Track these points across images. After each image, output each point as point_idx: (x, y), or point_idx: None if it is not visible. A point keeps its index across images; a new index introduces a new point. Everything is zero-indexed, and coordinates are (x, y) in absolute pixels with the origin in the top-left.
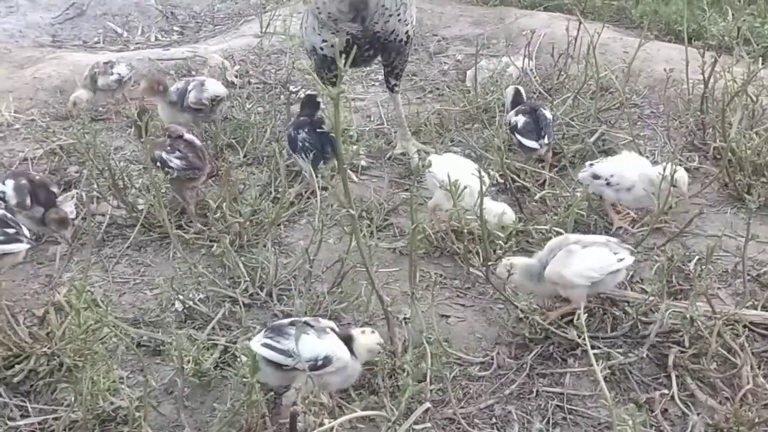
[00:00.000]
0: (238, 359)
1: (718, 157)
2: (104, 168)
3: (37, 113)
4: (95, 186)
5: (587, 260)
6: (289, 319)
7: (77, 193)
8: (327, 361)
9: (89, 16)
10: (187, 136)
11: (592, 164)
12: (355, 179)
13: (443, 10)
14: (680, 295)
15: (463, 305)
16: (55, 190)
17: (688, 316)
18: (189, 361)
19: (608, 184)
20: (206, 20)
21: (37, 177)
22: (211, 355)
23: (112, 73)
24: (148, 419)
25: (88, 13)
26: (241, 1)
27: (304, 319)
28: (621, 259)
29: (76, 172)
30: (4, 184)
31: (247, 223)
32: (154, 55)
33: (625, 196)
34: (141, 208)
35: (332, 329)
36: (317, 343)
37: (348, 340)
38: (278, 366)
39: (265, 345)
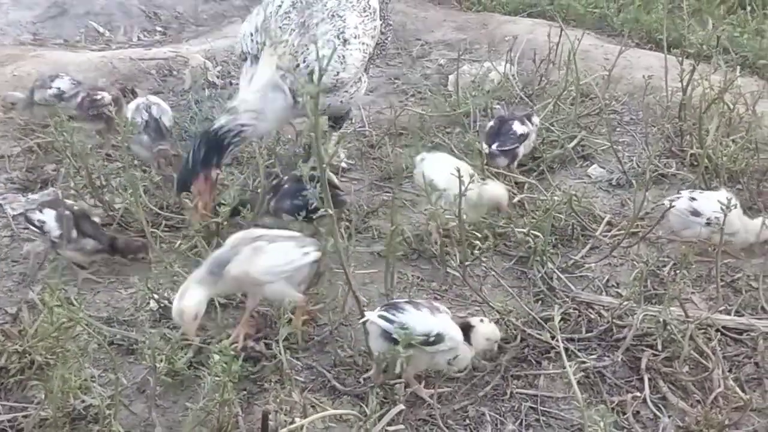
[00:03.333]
0: (212, 359)
1: (695, 163)
2: (81, 167)
3: (15, 111)
4: (72, 184)
5: (275, 257)
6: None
7: (53, 191)
8: (439, 338)
9: (71, 15)
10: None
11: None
12: (336, 181)
13: (427, 14)
14: (654, 300)
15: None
16: (97, 220)
17: (661, 320)
18: (162, 360)
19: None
20: (189, 21)
21: (75, 206)
22: (185, 354)
23: (50, 87)
24: (119, 418)
25: (71, 12)
26: (224, 2)
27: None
28: (306, 254)
29: (54, 171)
30: (41, 212)
31: (225, 222)
32: (135, 55)
33: None
34: (117, 207)
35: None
36: (431, 319)
37: (467, 329)
38: (391, 338)
39: (381, 317)
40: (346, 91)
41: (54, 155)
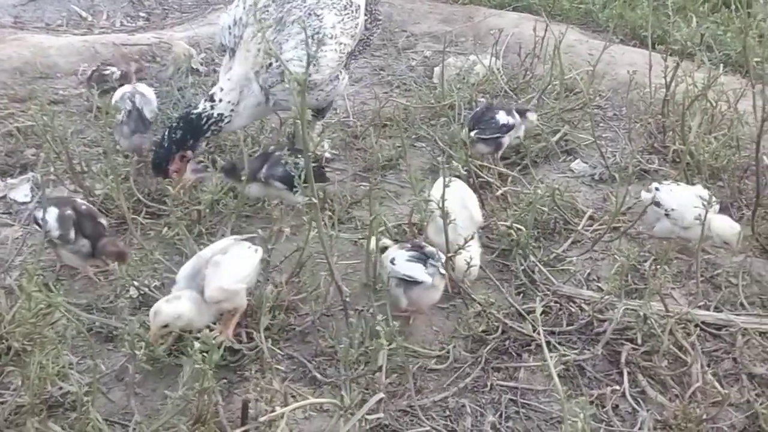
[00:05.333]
0: (192, 347)
1: (677, 160)
2: (61, 151)
3: None
4: (52, 169)
5: (237, 263)
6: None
7: (33, 176)
8: None
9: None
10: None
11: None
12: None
13: (413, 6)
14: (635, 294)
15: None
16: (103, 222)
17: (641, 314)
18: (141, 348)
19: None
20: (173, 7)
21: (84, 206)
22: (165, 341)
23: None
24: (97, 405)
25: None
26: None
27: None
28: (256, 251)
29: (33, 155)
30: (46, 211)
31: (207, 210)
32: (118, 40)
33: None
34: (98, 193)
35: None
36: None
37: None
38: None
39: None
40: (322, 90)
41: (34, 139)
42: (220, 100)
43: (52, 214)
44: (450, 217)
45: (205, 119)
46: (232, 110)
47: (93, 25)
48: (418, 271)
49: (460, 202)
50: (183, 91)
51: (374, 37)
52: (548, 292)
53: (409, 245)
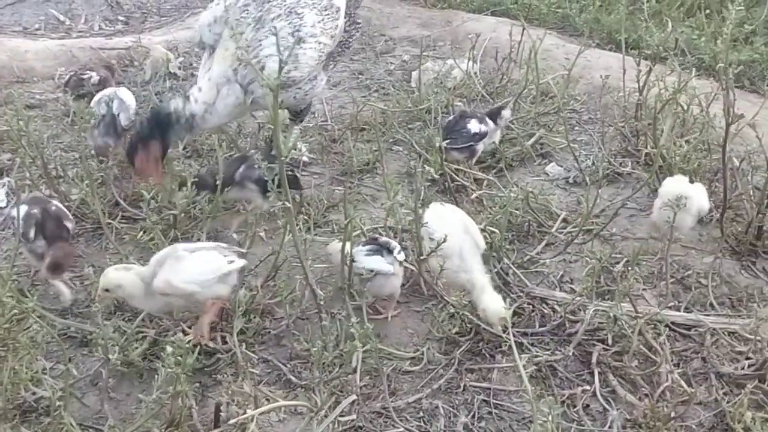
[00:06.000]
0: (166, 351)
1: (650, 163)
2: (36, 156)
3: None
4: (27, 174)
5: (197, 265)
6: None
7: (8, 181)
8: None
9: (31, 2)
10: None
11: None
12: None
13: (392, 10)
14: (607, 296)
15: (398, 301)
16: (69, 225)
17: (612, 315)
18: (115, 352)
19: None
20: (152, 11)
21: (54, 207)
22: (140, 345)
23: None
24: (71, 410)
25: None
26: None
27: None
28: (231, 262)
29: (9, 160)
30: (18, 209)
31: (182, 215)
32: (96, 44)
33: None
34: (74, 198)
35: None
36: None
37: None
38: None
39: None
40: (300, 89)
41: (10, 144)
42: (196, 101)
43: (21, 212)
44: (448, 242)
45: (176, 118)
46: (206, 110)
47: (71, 29)
48: (378, 262)
49: (462, 228)
50: (160, 96)
51: (353, 40)
52: (521, 294)
53: (364, 240)
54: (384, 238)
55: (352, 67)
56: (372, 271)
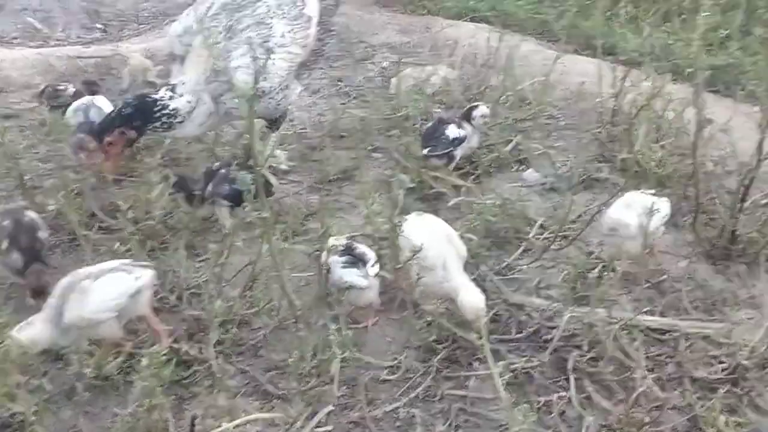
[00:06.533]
0: (141, 363)
1: (625, 168)
2: (12, 167)
3: None
4: (2, 186)
5: (104, 291)
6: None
7: None
8: None
9: (8, 11)
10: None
11: None
12: (274, 181)
13: (371, 17)
14: (584, 301)
15: (376, 309)
16: (42, 236)
17: (586, 321)
18: (90, 366)
19: None
20: (130, 18)
21: (26, 218)
22: (116, 359)
23: None
24: (46, 424)
25: (7, 7)
26: (166, 0)
27: None
28: (138, 278)
29: None
30: None
31: (159, 225)
32: (73, 53)
33: None
34: (50, 209)
35: None
36: None
37: None
38: None
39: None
40: (272, 98)
41: None
42: (181, 95)
43: None
44: (432, 253)
45: (159, 107)
46: (188, 111)
47: (49, 37)
48: (353, 276)
49: (445, 238)
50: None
51: (327, 48)
52: (498, 301)
53: (341, 249)
54: (360, 249)
55: (331, 74)
56: (346, 283)
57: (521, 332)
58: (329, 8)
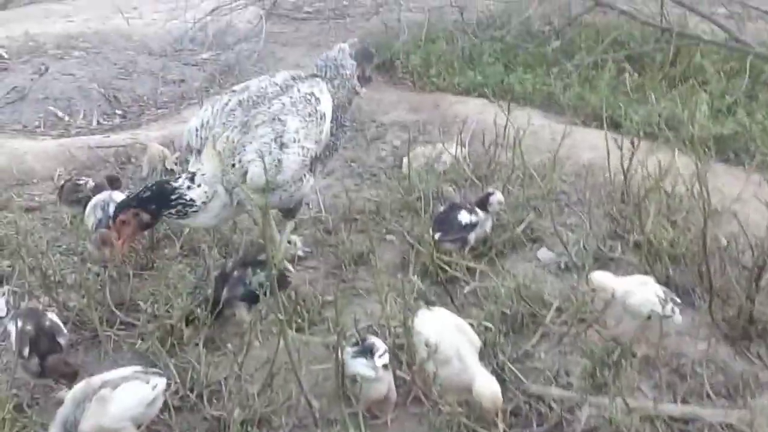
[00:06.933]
0: None
1: (639, 246)
2: (35, 265)
3: None
4: (26, 283)
5: (124, 401)
6: None
7: (8, 290)
8: None
9: (30, 100)
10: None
11: None
12: (292, 269)
13: (381, 96)
14: (604, 388)
15: (395, 403)
16: (62, 341)
17: (607, 417)
18: None
19: None
20: (149, 103)
21: (48, 322)
22: None
23: None
24: None
25: (30, 96)
26: (183, 84)
27: None
28: (155, 387)
29: (9, 266)
30: (15, 323)
31: (179, 324)
32: (93, 143)
33: None
34: (72, 306)
35: None
36: None
37: None
38: None
39: None
40: (285, 190)
41: (8, 251)
42: (199, 185)
43: (16, 327)
44: (445, 346)
45: (177, 195)
46: (204, 202)
47: (70, 125)
48: (360, 365)
49: (456, 328)
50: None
51: (340, 143)
52: (518, 392)
53: (353, 340)
54: (371, 340)
55: (345, 155)
56: (355, 375)
57: (542, 425)
58: (344, 105)
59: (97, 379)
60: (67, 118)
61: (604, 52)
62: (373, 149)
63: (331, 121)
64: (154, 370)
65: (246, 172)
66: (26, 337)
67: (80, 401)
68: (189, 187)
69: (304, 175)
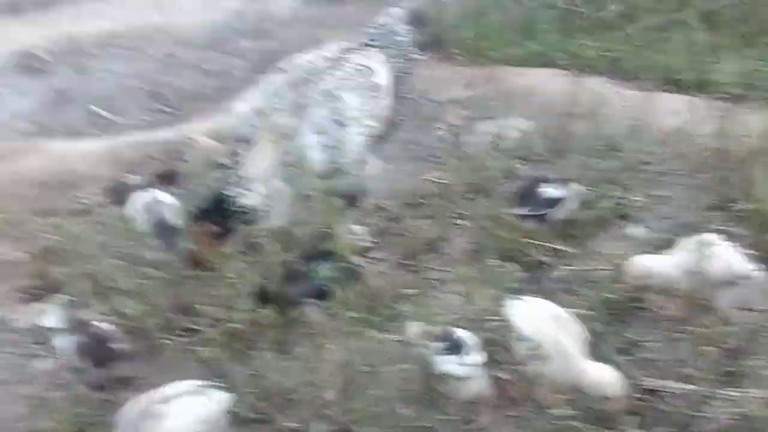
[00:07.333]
0: None
1: (744, 217)
2: (88, 271)
3: (16, 210)
4: (79, 290)
5: (180, 418)
6: None
7: (62, 299)
8: None
9: (73, 101)
10: None
11: None
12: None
13: (432, 73)
14: (731, 378)
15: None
16: (117, 348)
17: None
18: None
19: None
20: (193, 96)
21: (100, 331)
22: None
23: None
24: None
25: (72, 97)
26: (226, 76)
27: None
28: (216, 402)
29: (62, 275)
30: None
31: (242, 327)
32: (140, 141)
33: None
34: (128, 313)
35: None
36: None
37: None
38: None
39: None
40: (348, 174)
41: (62, 258)
42: (251, 191)
43: (71, 339)
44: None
45: (233, 205)
46: (262, 204)
47: (114, 124)
48: (450, 364)
49: (554, 320)
50: (208, 186)
51: (403, 118)
52: (630, 387)
53: (439, 334)
54: (459, 333)
55: (401, 137)
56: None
57: (666, 425)
58: (402, 75)
59: (152, 395)
60: (110, 117)
61: (672, 11)
62: (430, 129)
63: (390, 95)
64: (216, 383)
65: (303, 158)
66: (81, 348)
67: (135, 421)
68: (242, 195)
69: (367, 156)
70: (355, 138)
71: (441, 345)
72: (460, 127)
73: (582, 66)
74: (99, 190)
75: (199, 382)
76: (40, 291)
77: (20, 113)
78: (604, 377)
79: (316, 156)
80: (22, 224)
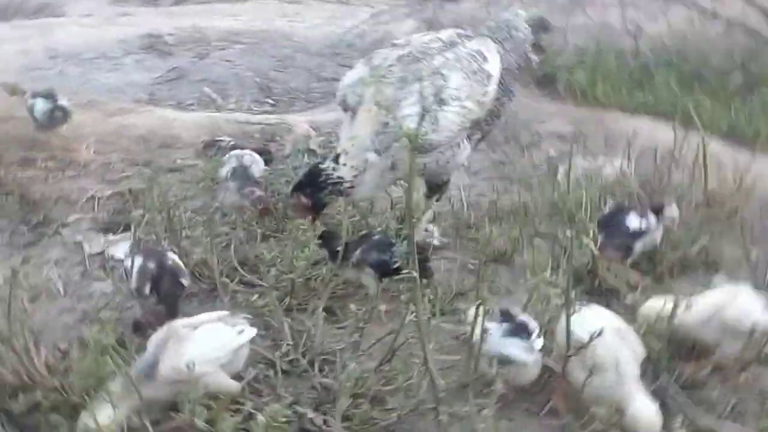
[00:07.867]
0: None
1: None
2: (165, 215)
3: (115, 157)
4: (153, 230)
5: (203, 342)
6: None
7: (135, 235)
8: None
9: (188, 81)
10: None
11: None
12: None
13: (539, 106)
14: None
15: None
16: (184, 282)
17: None
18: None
19: None
20: (300, 96)
21: (170, 262)
22: (232, 416)
23: None
24: None
25: (188, 77)
26: (336, 81)
27: None
28: (241, 332)
29: (141, 215)
30: (133, 259)
31: (299, 282)
32: (242, 118)
33: None
34: (195, 257)
35: None
36: None
37: None
38: None
39: None
40: (441, 153)
41: (142, 201)
42: (344, 164)
43: (136, 263)
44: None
45: (324, 177)
46: (355, 176)
47: (221, 107)
48: (516, 347)
49: (618, 335)
50: (297, 170)
51: (504, 109)
52: (683, 422)
53: (500, 314)
54: (522, 317)
55: (494, 157)
56: (507, 357)
57: None
58: (513, 71)
59: (181, 321)
60: (219, 100)
61: None
62: (527, 156)
63: (497, 84)
64: (246, 316)
65: (400, 130)
66: (148, 275)
67: (161, 343)
68: (334, 168)
69: (462, 141)
70: (454, 117)
71: (503, 326)
72: (558, 158)
73: (695, 124)
74: (194, 154)
75: (228, 314)
76: (117, 226)
77: (138, 84)
78: (644, 414)
79: (413, 127)
80: (115, 169)
